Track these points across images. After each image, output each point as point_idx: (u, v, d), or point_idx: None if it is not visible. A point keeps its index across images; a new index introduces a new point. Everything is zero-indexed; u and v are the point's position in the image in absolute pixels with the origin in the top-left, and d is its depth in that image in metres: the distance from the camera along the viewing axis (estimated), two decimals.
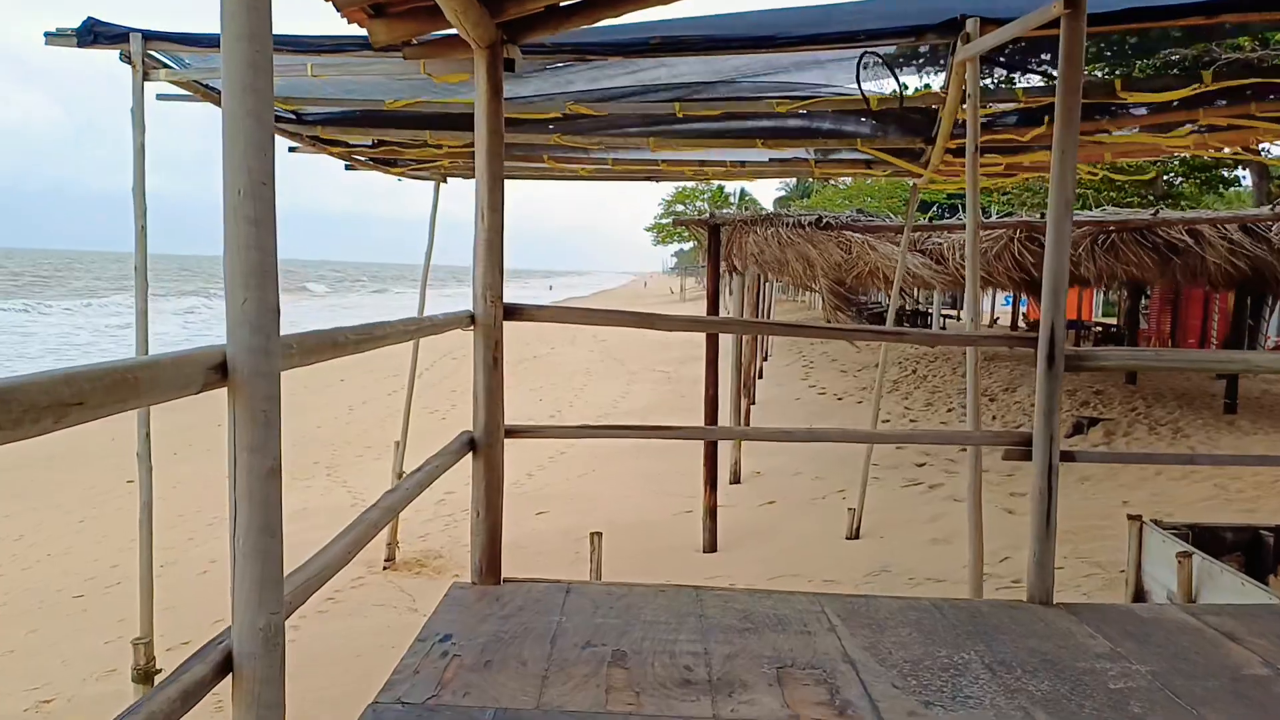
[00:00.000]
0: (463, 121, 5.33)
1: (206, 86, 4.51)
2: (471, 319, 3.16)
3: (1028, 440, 3.17)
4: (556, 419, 15.64)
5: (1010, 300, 31.52)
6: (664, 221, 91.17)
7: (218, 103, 4.65)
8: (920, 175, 5.71)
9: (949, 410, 12.31)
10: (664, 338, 32.99)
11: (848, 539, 7.42)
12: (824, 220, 7.26)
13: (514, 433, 3.31)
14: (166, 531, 9.57)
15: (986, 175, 6.14)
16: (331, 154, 5.80)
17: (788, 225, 7.33)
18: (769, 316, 20.43)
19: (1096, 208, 13.04)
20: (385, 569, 7.65)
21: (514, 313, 3.23)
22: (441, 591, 3.13)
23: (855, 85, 4.42)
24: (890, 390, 14.70)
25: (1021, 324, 29.01)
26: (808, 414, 13.83)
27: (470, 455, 3.21)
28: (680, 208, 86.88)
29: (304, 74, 4.12)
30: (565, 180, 6.84)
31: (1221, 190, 23.23)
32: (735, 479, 9.93)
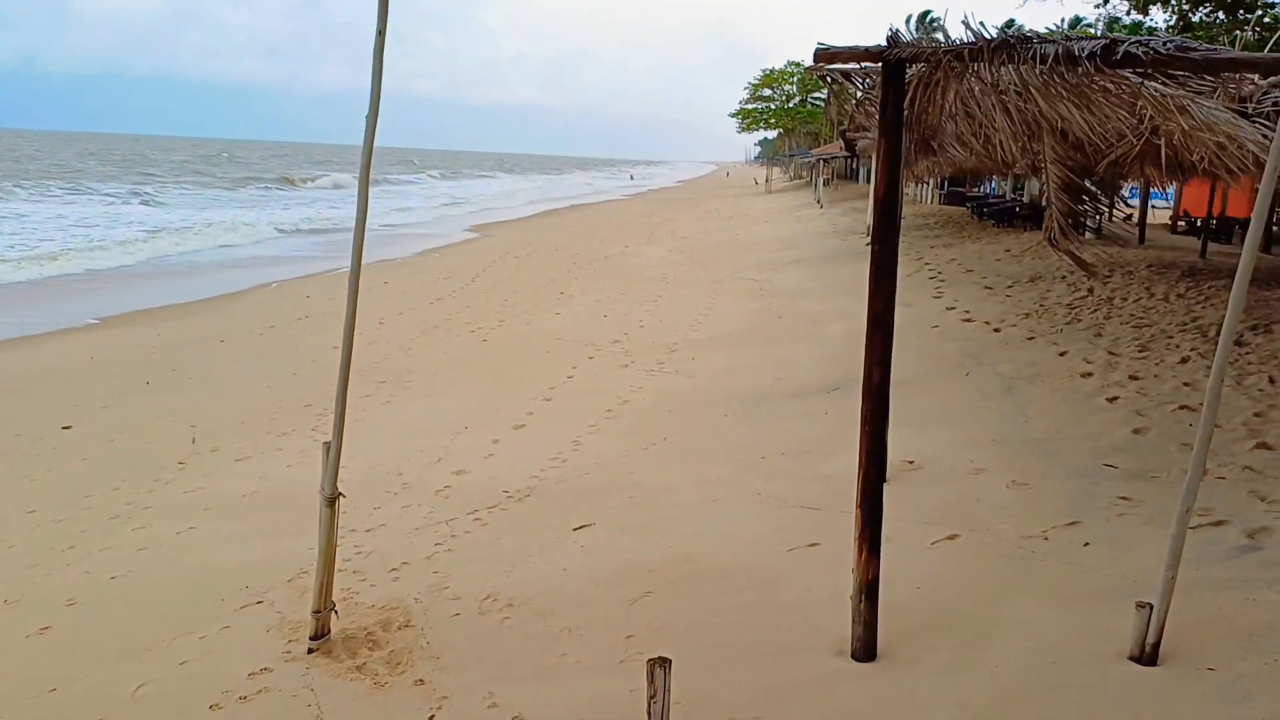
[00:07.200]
0: None
1: None
2: None
3: None
4: (621, 345, 12.27)
5: (1164, 195, 26.61)
6: (750, 107, 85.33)
7: None
8: None
9: (1183, 362, 8.56)
10: (753, 236, 29.05)
11: (1133, 661, 3.98)
12: (1120, 50, 3.58)
13: None
14: (37, 531, 6.61)
15: None
16: None
17: (1051, 61, 3.63)
18: None
19: None
20: (311, 651, 4.54)
21: None
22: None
23: None
24: (1069, 321, 10.94)
25: (1182, 223, 24.34)
26: (958, 351, 10.21)
27: None
28: (768, 92, 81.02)
29: None
30: None
31: None
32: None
